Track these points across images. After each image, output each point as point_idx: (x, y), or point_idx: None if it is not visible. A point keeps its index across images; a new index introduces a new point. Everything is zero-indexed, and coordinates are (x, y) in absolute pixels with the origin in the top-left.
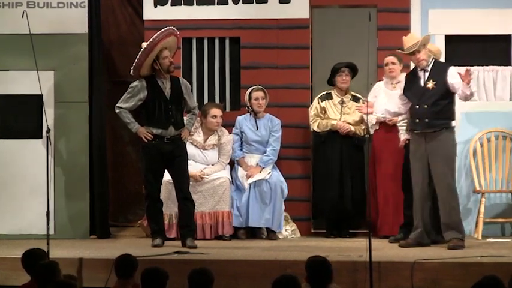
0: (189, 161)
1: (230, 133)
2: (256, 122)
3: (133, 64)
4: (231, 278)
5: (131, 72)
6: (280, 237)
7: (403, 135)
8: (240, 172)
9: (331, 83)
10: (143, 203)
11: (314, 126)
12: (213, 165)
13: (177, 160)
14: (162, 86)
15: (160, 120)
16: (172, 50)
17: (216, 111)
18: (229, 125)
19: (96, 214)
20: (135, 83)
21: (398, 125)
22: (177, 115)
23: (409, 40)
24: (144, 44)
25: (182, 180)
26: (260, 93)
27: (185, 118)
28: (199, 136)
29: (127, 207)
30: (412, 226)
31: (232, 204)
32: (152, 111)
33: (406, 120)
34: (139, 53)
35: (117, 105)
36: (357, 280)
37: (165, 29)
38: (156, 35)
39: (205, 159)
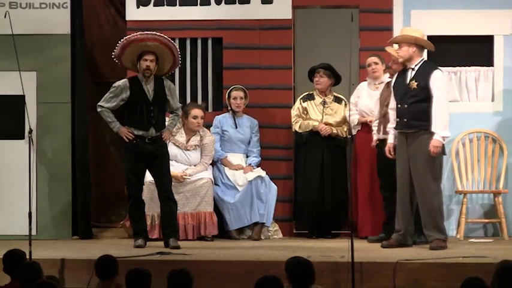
0: (171, 161)
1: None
2: (235, 120)
3: (114, 50)
4: (214, 278)
5: (113, 57)
6: (263, 237)
7: (375, 136)
8: (229, 171)
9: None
10: (126, 203)
11: (296, 127)
12: (195, 165)
13: (158, 160)
14: (145, 87)
15: (141, 122)
16: (163, 58)
17: (197, 112)
18: (211, 126)
19: (78, 215)
20: (118, 82)
21: (372, 125)
22: (158, 116)
23: (407, 31)
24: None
25: (164, 180)
26: (240, 93)
27: (167, 119)
28: (181, 137)
29: (109, 208)
30: (393, 225)
31: (223, 206)
32: (134, 112)
33: (378, 121)
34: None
35: (99, 104)
36: (339, 281)
37: (149, 32)
38: (138, 33)
39: (187, 159)
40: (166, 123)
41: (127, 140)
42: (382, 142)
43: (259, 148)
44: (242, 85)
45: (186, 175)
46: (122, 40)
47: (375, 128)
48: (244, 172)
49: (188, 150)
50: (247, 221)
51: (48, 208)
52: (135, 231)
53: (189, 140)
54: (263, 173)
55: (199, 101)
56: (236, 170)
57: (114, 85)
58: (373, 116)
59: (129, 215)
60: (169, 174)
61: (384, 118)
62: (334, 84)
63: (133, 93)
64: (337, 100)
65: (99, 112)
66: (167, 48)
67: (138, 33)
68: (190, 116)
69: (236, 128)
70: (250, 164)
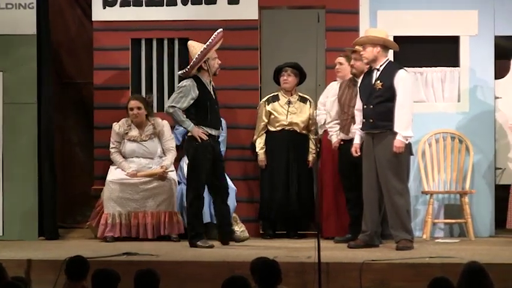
0: (131, 158)
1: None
2: None
3: (191, 64)
4: (180, 279)
5: (180, 73)
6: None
7: (334, 137)
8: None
9: (277, 82)
10: (91, 204)
11: (257, 142)
12: (160, 157)
13: (220, 160)
14: (208, 87)
15: (212, 120)
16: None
17: (132, 104)
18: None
19: (44, 215)
20: (184, 82)
21: (327, 126)
22: (219, 115)
23: (371, 32)
24: (193, 44)
25: (225, 180)
26: None
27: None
28: (134, 131)
29: (75, 208)
30: (359, 225)
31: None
32: (205, 111)
33: (335, 122)
34: (197, 54)
35: (171, 105)
36: (305, 281)
37: (220, 30)
38: (214, 35)
39: (146, 150)
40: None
41: (200, 140)
42: (349, 143)
43: (224, 149)
44: None
45: (166, 169)
46: (207, 46)
47: (331, 130)
48: None
49: (144, 141)
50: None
51: (14, 209)
52: (199, 232)
53: (143, 131)
54: None
55: (165, 103)
56: None
57: (180, 85)
58: (330, 117)
59: (192, 215)
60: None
61: (351, 119)
62: (297, 83)
63: (201, 92)
64: (302, 100)
65: (172, 112)
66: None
67: (214, 36)
68: (128, 108)
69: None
70: None
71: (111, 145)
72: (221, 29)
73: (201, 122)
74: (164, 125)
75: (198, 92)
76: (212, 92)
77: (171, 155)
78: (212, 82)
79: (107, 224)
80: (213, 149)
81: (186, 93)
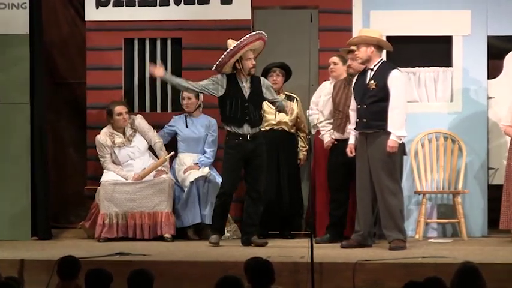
0: (126, 163)
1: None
2: (186, 120)
3: (217, 62)
4: (173, 279)
5: (213, 69)
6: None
7: (326, 136)
8: (179, 173)
9: None
10: (85, 204)
11: None
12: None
13: (257, 160)
14: (241, 85)
15: (235, 118)
16: (256, 52)
17: (120, 109)
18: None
19: (37, 215)
20: (218, 75)
21: (320, 125)
22: (254, 113)
23: (365, 32)
24: (231, 43)
25: (259, 180)
26: (188, 93)
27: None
28: (118, 137)
29: (68, 208)
30: (340, 226)
31: (175, 205)
32: (229, 108)
33: (327, 121)
34: (226, 51)
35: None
36: (298, 281)
37: (255, 33)
38: (245, 37)
39: (137, 149)
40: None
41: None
42: (342, 143)
43: (214, 149)
44: None
45: (165, 159)
46: (233, 48)
47: (323, 129)
48: (184, 172)
49: (130, 141)
50: (187, 221)
51: (7, 209)
52: (215, 228)
53: (124, 134)
54: (207, 173)
55: (159, 103)
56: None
57: (213, 75)
58: (323, 116)
59: (216, 212)
60: (265, 175)
61: (346, 118)
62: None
63: (229, 90)
64: (289, 98)
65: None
66: (263, 42)
67: (245, 38)
68: (115, 115)
69: (187, 127)
70: (196, 163)
71: (102, 158)
72: (257, 32)
73: (227, 119)
74: (140, 120)
75: (225, 89)
76: (247, 91)
77: (160, 145)
78: (264, 82)
79: (104, 224)
80: (243, 148)
81: (212, 80)
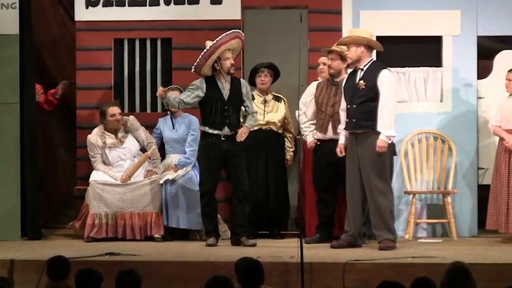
0: (116, 163)
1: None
2: (172, 121)
3: (195, 63)
4: (163, 279)
5: (192, 71)
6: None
7: (309, 137)
8: (162, 174)
9: (252, 83)
10: (74, 204)
11: None
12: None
13: (235, 160)
14: (221, 86)
15: (215, 121)
16: (235, 52)
17: (114, 110)
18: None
19: (27, 216)
20: (196, 81)
21: (303, 126)
22: (233, 116)
23: (355, 32)
24: (208, 43)
25: (241, 179)
26: (175, 93)
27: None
28: (110, 138)
29: (58, 208)
30: (329, 226)
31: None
32: (209, 110)
33: (310, 122)
34: (202, 52)
35: (180, 99)
36: (288, 281)
37: (231, 31)
38: (221, 36)
39: (128, 151)
40: (246, 122)
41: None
42: (326, 143)
43: (194, 148)
44: None
45: (148, 155)
46: (208, 49)
47: (307, 130)
48: (164, 173)
49: (122, 142)
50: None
51: None
52: (207, 230)
53: (117, 135)
54: (177, 176)
55: (149, 103)
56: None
57: (192, 83)
58: (306, 117)
59: (202, 213)
60: (246, 174)
61: (332, 118)
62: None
63: (209, 92)
64: (277, 99)
65: (177, 102)
66: (241, 41)
67: (220, 37)
68: (108, 116)
69: (174, 128)
70: (176, 165)
71: (92, 158)
72: (233, 31)
73: (205, 120)
74: (131, 120)
75: (205, 92)
76: (226, 93)
77: (152, 145)
78: (244, 84)
79: (94, 224)
80: (216, 147)
81: (193, 90)
